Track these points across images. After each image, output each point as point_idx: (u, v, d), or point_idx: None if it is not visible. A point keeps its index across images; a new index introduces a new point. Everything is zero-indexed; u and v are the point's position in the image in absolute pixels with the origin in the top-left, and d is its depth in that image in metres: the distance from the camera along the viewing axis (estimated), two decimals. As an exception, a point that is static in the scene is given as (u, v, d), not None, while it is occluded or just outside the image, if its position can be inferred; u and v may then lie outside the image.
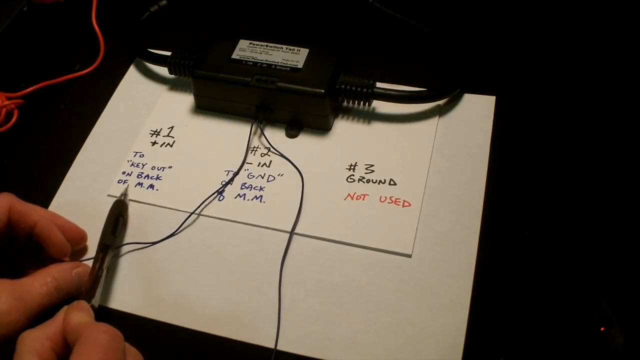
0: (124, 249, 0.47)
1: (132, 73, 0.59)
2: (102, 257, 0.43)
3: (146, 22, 0.60)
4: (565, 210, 0.46)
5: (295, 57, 0.52)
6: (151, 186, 0.50)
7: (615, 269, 0.43)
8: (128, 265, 0.46)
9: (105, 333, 0.34)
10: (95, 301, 0.40)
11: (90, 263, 0.45)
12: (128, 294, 0.44)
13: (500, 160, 0.49)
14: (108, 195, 0.50)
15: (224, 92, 0.53)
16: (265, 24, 0.62)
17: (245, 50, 0.53)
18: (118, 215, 0.46)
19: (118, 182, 0.50)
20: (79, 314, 0.36)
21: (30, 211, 0.42)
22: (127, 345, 0.35)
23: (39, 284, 0.40)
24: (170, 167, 0.51)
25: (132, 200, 0.49)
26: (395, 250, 0.45)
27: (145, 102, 0.56)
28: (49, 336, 0.35)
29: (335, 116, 0.53)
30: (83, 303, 0.38)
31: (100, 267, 0.42)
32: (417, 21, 0.56)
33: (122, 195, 0.48)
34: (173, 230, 0.47)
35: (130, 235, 0.48)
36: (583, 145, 0.50)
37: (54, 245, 0.43)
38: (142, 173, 0.51)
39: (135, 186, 0.50)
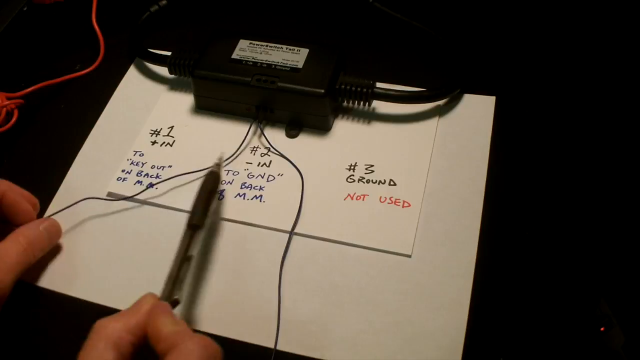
0: (122, 247, 0.47)
1: (132, 73, 0.59)
2: (190, 237, 0.40)
3: (146, 22, 0.60)
4: (565, 211, 0.46)
5: (295, 57, 0.52)
6: (150, 185, 0.50)
7: (615, 269, 0.43)
8: (127, 264, 0.46)
9: (206, 348, 0.32)
10: (181, 294, 0.38)
11: None
12: (128, 293, 0.44)
13: (500, 160, 0.49)
14: (108, 194, 0.50)
15: (224, 92, 0.53)
16: (265, 24, 0.62)
17: (245, 50, 0.53)
18: (211, 191, 0.43)
19: (117, 179, 0.50)
20: (168, 322, 0.34)
21: None
22: None
23: (13, 244, 0.42)
24: (170, 166, 0.51)
25: (131, 200, 0.49)
26: (395, 250, 0.45)
27: (145, 102, 0.56)
28: (129, 328, 0.33)
29: (335, 116, 0.53)
30: (167, 305, 0.36)
31: (187, 252, 0.39)
32: (418, 21, 0.56)
33: (215, 165, 0.45)
34: (172, 230, 0.47)
35: (128, 233, 0.48)
36: (583, 145, 0.50)
37: (22, 212, 0.45)
38: (142, 172, 0.51)
39: (135, 184, 0.50)
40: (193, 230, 0.41)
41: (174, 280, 0.38)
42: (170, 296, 0.38)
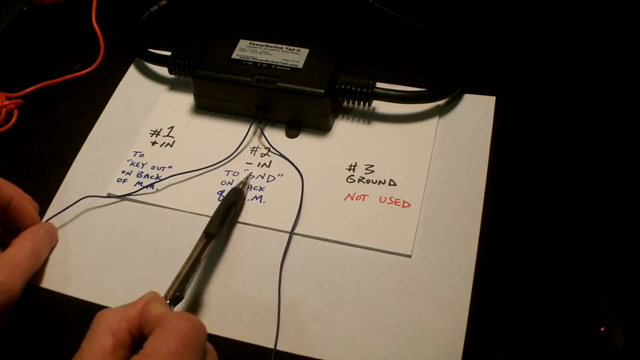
0: (122, 247, 0.47)
1: (132, 73, 0.59)
2: (204, 245, 0.42)
3: (146, 22, 0.60)
4: (565, 211, 0.46)
5: (295, 57, 0.52)
6: (150, 186, 0.50)
7: (615, 269, 0.43)
8: (127, 264, 0.46)
9: (188, 321, 0.34)
10: (186, 290, 0.40)
11: None
12: (127, 293, 0.44)
13: (500, 160, 0.49)
14: (108, 194, 0.50)
15: (224, 92, 0.53)
16: (265, 24, 0.62)
17: (245, 50, 0.53)
18: (231, 205, 0.46)
19: (117, 180, 0.50)
20: (158, 306, 0.36)
21: (5, 186, 0.44)
22: (207, 343, 0.35)
23: (21, 249, 0.43)
24: (170, 166, 0.51)
25: (131, 200, 0.49)
26: (395, 250, 0.45)
27: (145, 102, 0.56)
28: (127, 318, 0.35)
29: (335, 116, 0.53)
30: (161, 297, 0.38)
31: (199, 256, 0.42)
32: (418, 21, 0.56)
33: (240, 183, 0.48)
34: (172, 231, 0.47)
35: (129, 234, 0.48)
36: (583, 145, 0.50)
37: (27, 216, 0.45)
38: (142, 172, 0.51)
39: (135, 185, 0.50)
40: (208, 239, 0.43)
41: (181, 279, 0.40)
42: (173, 293, 0.39)
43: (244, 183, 0.48)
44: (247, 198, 0.49)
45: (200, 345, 0.34)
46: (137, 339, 0.35)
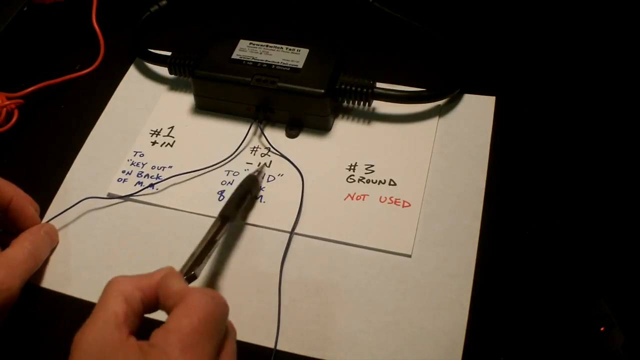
0: (123, 247, 0.47)
1: (132, 73, 0.59)
2: (219, 226, 0.43)
3: (146, 22, 0.60)
4: (565, 210, 0.46)
5: (295, 57, 0.52)
6: (151, 186, 0.50)
7: (615, 269, 0.43)
8: (127, 264, 0.46)
9: (212, 298, 0.34)
10: (200, 270, 0.40)
11: None
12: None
13: (500, 160, 0.49)
14: (108, 195, 0.50)
15: (224, 92, 0.53)
16: (265, 24, 0.62)
17: (245, 50, 0.53)
18: (247, 190, 0.47)
19: (118, 180, 0.50)
20: (178, 281, 0.35)
21: (5, 186, 0.44)
22: (229, 321, 0.35)
23: (20, 249, 0.43)
24: (170, 167, 0.51)
25: (131, 200, 0.49)
26: (395, 250, 0.45)
27: (145, 102, 0.56)
28: (141, 287, 0.35)
29: (335, 116, 0.53)
30: (179, 273, 0.37)
31: (214, 238, 0.42)
32: (418, 21, 0.56)
33: (256, 171, 0.49)
34: (172, 230, 0.47)
35: (129, 234, 0.48)
36: (583, 145, 0.50)
37: (28, 217, 0.45)
38: (142, 172, 0.51)
39: (135, 185, 0.50)
40: (223, 222, 0.43)
41: (195, 258, 0.40)
42: (188, 271, 0.40)
43: (259, 172, 0.49)
44: (247, 198, 0.49)
45: (222, 323, 0.34)
46: (148, 309, 0.35)
